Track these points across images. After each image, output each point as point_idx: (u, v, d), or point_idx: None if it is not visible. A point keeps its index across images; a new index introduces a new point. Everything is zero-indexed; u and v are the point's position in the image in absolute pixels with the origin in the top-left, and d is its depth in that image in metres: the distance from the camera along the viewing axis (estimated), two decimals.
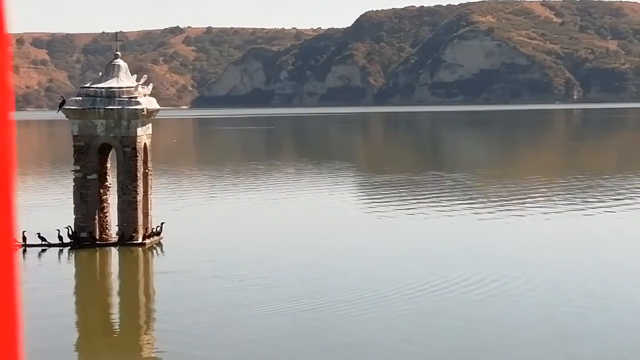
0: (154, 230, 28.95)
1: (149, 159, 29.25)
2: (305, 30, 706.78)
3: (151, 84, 29.43)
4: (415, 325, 18.13)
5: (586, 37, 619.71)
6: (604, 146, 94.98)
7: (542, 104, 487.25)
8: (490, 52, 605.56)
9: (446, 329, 17.93)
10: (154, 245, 28.29)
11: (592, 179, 48.14)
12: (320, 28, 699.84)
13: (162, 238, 28.80)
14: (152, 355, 16.77)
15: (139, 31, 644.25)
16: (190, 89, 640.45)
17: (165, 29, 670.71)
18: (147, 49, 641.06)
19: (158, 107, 29.53)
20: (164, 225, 29.00)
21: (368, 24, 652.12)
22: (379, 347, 16.78)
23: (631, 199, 38.91)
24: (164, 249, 28.04)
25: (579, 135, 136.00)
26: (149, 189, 29.12)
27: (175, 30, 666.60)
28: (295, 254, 26.98)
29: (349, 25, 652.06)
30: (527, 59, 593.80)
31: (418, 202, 38.78)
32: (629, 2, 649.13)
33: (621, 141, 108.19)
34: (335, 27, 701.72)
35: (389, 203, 39.13)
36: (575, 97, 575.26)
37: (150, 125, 29.38)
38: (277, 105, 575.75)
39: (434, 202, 39.01)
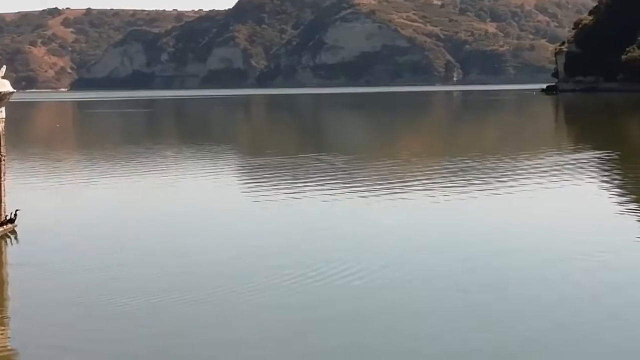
0: (8, 217, 27.03)
1: (3, 143, 27.22)
2: (187, 11, 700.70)
3: (4, 67, 27.21)
4: (289, 316, 16.74)
5: (466, 19, 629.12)
6: (484, 127, 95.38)
7: (423, 85, 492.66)
8: (372, 34, 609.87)
9: (326, 320, 16.58)
10: (7, 234, 26.29)
11: (473, 159, 47.62)
12: (201, 10, 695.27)
13: (16, 226, 26.80)
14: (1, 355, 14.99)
15: (16, 12, 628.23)
16: (69, 71, 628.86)
17: (43, 10, 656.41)
18: (25, 30, 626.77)
19: (11, 89, 27.35)
20: (18, 212, 27.04)
21: (250, 5, 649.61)
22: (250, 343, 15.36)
23: (515, 180, 38.33)
24: (18, 238, 26.05)
25: (459, 116, 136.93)
26: (1, 175, 27.14)
27: (53, 12, 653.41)
28: (169, 241, 25.35)
29: (231, 7, 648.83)
30: (408, 41, 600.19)
31: (301, 185, 37.62)
32: None
33: (501, 122, 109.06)
34: (216, 8, 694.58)
35: (271, 186, 37.86)
36: (455, 78, 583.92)
37: (3, 109, 27.28)
38: (158, 87, 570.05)
39: (317, 184, 37.86)
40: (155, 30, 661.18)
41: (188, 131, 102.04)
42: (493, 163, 46.06)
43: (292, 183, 38.67)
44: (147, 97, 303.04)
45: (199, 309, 17.59)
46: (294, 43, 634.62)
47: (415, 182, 38.07)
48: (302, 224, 28.41)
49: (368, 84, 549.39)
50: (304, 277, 20.05)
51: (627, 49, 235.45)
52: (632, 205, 30.84)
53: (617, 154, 50.49)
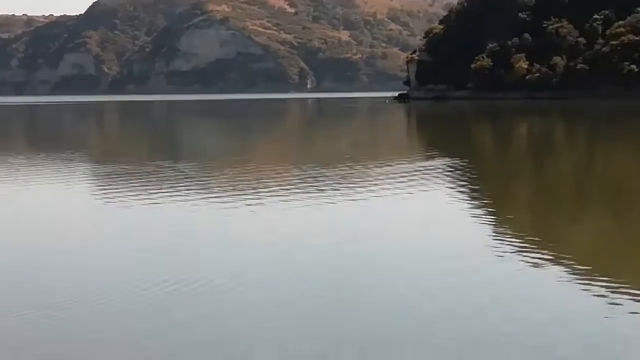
0: None
1: None
2: (37, 16, 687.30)
3: None
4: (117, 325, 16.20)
5: (319, 27, 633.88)
6: (337, 134, 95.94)
7: (277, 92, 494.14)
8: (225, 41, 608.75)
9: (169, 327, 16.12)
10: None
11: (327, 166, 47.69)
12: (52, 15, 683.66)
13: None
14: None
15: None
16: None
17: None
18: None
19: None
20: None
21: (101, 11, 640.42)
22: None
23: (367, 186, 38.40)
24: None
25: (313, 123, 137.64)
26: None
27: None
28: (15, 251, 24.41)
29: (82, 13, 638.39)
30: (262, 49, 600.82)
31: (153, 192, 36.86)
32: None
33: (354, 129, 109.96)
34: (68, 14, 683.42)
35: (123, 193, 37.02)
36: (309, 86, 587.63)
37: None
38: (8, 93, 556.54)
39: (169, 191, 37.17)
40: (5, 35, 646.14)
41: (36, 138, 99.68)
42: (346, 170, 46.17)
43: (144, 191, 37.89)
44: None
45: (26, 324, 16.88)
46: (147, 49, 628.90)
47: (271, 189, 37.78)
48: (155, 232, 27.77)
49: (222, 91, 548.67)
50: (153, 284, 19.51)
51: (476, 57, 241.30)
52: (481, 212, 31.22)
53: (466, 161, 51.29)
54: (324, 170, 45.69)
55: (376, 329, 16.24)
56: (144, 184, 41.27)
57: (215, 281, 20.15)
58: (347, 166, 48.30)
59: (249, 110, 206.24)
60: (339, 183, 40.01)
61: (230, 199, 34.88)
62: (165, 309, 17.82)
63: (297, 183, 40.15)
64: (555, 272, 20.67)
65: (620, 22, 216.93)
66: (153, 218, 31.06)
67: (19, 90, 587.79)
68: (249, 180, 42.18)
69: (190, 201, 34.39)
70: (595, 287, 18.96)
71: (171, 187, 39.37)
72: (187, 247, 24.83)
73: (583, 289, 18.94)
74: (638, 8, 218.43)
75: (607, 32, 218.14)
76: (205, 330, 16.26)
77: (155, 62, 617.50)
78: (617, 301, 17.86)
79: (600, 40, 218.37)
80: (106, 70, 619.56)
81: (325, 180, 40.92)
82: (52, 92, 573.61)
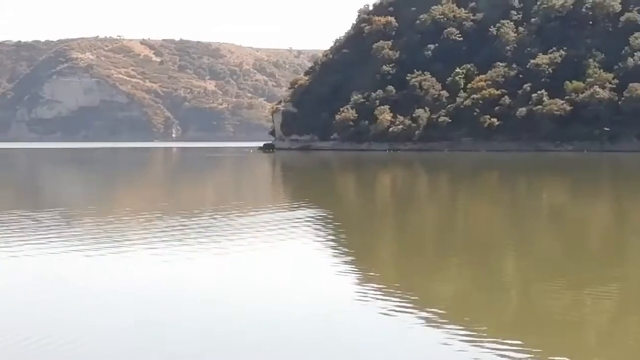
0: None
1: None
2: None
3: None
4: None
5: (185, 76, 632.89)
6: (202, 184, 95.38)
7: (142, 141, 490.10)
8: (90, 89, 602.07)
9: None
10: None
11: (191, 216, 47.30)
12: None
13: None
14: None
15: None
16: None
17: None
18: None
19: None
20: None
21: None
22: None
23: (230, 237, 38.15)
24: None
25: (177, 172, 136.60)
26: None
27: None
28: None
29: None
30: (127, 97, 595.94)
31: (17, 242, 35.86)
32: (226, 43, 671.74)
33: (218, 179, 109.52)
34: None
35: None
36: (174, 135, 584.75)
37: None
38: None
39: (27, 241, 36.17)
40: None
41: None
42: (209, 220, 45.83)
43: (2, 241, 36.85)
44: None
45: None
46: (9, 96, 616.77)
47: (131, 240, 37.18)
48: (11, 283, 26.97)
49: (86, 138, 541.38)
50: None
51: (340, 109, 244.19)
52: (344, 263, 31.32)
53: (330, 212, 51.52)
54: (186, 221, 45.27)
55: None
56: (2, 233, 40.18)
57: (63, 335, 19.66)
58: (211, 217, 47.96)
59: (113, 158, 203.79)
60: (202, 233, 39.65)
61: (88, 249, 34.20)
62: None
63: (159, 233, 39.63)
64: (415, 321, 20.80)
65: (481, 76, 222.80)
66: (9, 268, 30.19)
67: None
68: (109, 230, 41.46)
69: (50, 251, 33.58)
70: (454, 336, 19.14)
71: (29, 237, 38.40)
72: (42, 298, 24.18)
73: (442, 338, 19.08)
74: (498, 63, 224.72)
75: (469, 85, 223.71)
76: None
77: (17, 110, 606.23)
78: (474, 348, 18.05)
79: (462, 94, 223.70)
80: None
81: (187, 231, 40.50)
82: None
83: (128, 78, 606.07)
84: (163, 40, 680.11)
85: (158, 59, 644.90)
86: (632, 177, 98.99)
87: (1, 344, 18.76)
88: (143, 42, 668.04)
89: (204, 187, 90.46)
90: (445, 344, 18.65)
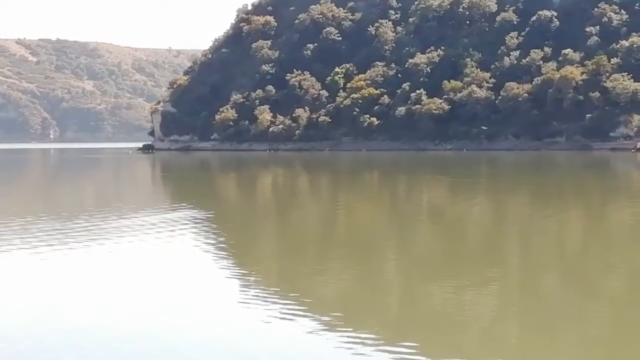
0: None
1: None
2: None
3: None
4: None
5: (62, 76, 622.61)
6: (80, 186, 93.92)
7: (19, 142, 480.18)
8: None
9: None
10: None
11: (68, 219, 46.37)
12: None
13: None
14: None
15: None
16: None
17: None
18: None
19: None
20: None
21: None
22: None
23: (109, 239, 37.53)
24: None
25: (55, 174, 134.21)
26: None
27: None
28: None
29: None
30: (3, 97, 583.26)
31: None
32: (104, 43, 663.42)
33: (97, 181, 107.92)
34: None
35: None
36: (52, 136, 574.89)
37: None
38: None
39: None
40: None
41: None
42: (87, 222, 45.01)
43: None
44: None
45: None
46: None
47: (13, 242, 36.25)
48: None
49: None
50: None
51: (220, 109, 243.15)
52: (223, 263, 31.08)
53: (211, 213, 51.21)
54: (64, 223, 44.37)
55: None
56: None
57: None
58: (90, 219, 47.12)
59: None
60: (81, 235, 38.90)
61: None
62: None
63: (37, 234, 38.76)
64: (303, 323, 20.67)
65: (361, 76, 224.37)
66: None
67: None
68: None
69: None
70: (342, 337, 19.09)
71: None
72: None
73: (325, 342, 19.00)
74: (377, 62, 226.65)
75: (348, 85, 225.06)
76: None
77: None
78: (361, 351, 18.02)
79: (342, 93, 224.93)
80: None
81: (65, 233, 39.67)
82: None
83: (4, 78, 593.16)
84: (39, 39, 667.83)
85: (34, 59, 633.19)
86: (508, 174, 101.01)
87: None
88: (19, 42, 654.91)
89: (83, 189, 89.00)
90: (330, 347, 18.56)
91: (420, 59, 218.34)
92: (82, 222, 45.23)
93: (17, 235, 39.47)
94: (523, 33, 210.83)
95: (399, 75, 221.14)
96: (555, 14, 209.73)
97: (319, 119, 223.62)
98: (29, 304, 23.69)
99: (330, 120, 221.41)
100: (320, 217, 51.88)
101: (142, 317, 21.80)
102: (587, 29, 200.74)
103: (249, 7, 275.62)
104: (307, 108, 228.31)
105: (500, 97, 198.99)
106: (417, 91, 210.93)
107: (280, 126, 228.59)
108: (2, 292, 25.46)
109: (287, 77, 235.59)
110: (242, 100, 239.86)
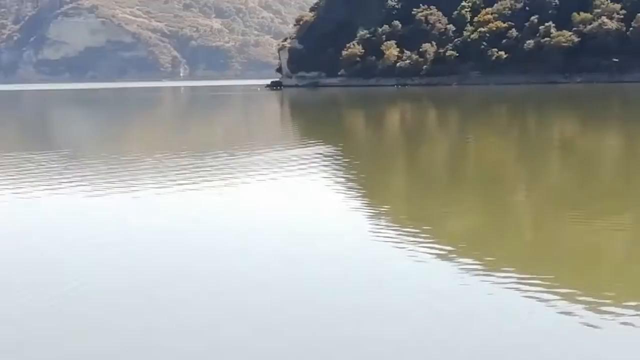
0: None
1: None
2: None
3: None
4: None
5: (191, 15, 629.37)
6: (211, 123, 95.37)
7: (150, 81, 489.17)
8: (96, 30, 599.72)
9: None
10: None
11: (202, 155, 47.28)
12: None
13: None
14: None
15: None
16: None
17: None
18: None
19: None
20: None
21: None
22: None
23: (243, 175, 38.18)
24: None
25: (186, 112, 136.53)
26: None
27: None
28: None
29: None
30: (133, 37, 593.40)
31: (30, 183, 36.00)
32: None
33: (227, 118, 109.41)
34: None
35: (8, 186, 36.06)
36: (181, 74, 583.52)
37: None
38: None
39: (48, 182, 36.38)
40: None
41: None
42: (219, 159, 45.81)
43: (27, 181, 36.94)
44: None
45: None
46: (15, 38, 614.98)
47: (143, 180, 37.20)
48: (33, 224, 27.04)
49: (94, 79, 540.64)
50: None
51: (347, 45, 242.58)
52: (354, 198, 31.30)
53: (340, 148, 51.48)
54: (195, 160, 45.25)
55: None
56: (11, 175, 40.26)
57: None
58: (220, 155, 47.93)
59: (120, 99, 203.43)
60: (212, 173, 39.63)
61: (97, 190, 34.26)
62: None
63: (166, 173, 39.66)
64: (429, 255, 20.77)
65: (488, 9, 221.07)
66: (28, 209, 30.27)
67: None
68: (117, 172, 41.45)
69: (59, 192, 33.68)
70: (468, 270, 19.14)
71: (35, 179, 38.45)
72: (50, 240, 24.27)
73: (456, 272, 19.08)
74: None
75: (475, 19, 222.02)
76: None
77: (24, 51, 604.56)
78: (490, 282, 18.06)
79: (469, 27, 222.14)
80: None
81: (197, 170, 40.48)
82: None
83: (133, 18, 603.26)
84: None
85: None
86: None
87: (13, 287, 18.85)
88: None
89: (212, 126, 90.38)
90: (460, 277, 18.64)
91: None
92: (210, 160, 46.04)
93: (148, 173, 40.44)
94: None
95: (527, 8, 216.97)
96: None
97: (446, 54, 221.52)
98: (172, 241, 24.29)
99: (457, 54, 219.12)
100: (450, 152, 51.67)
101: (274, 248, 22.21)
102: None
103: None
104: (433, 43, 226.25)
105: (631, 29, 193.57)
106: (546, 24, 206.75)
107: (407, 61, 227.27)
108: (141, 231, 26.14)
109: (413, 12, 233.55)
110: (368, 36, 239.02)
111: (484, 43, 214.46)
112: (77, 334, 15.41)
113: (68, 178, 38.28)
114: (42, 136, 79.67)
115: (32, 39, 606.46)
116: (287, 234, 24.40)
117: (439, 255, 20.77)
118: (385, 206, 29.58)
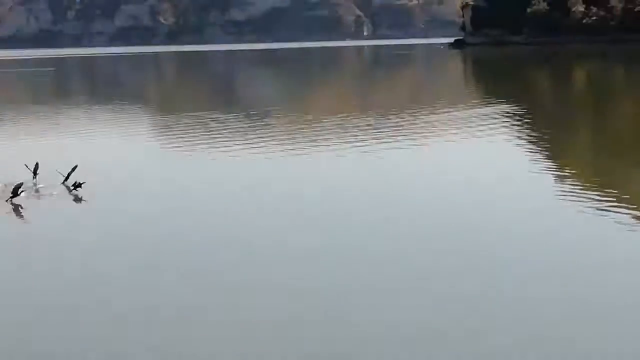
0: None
1: None
2: None
3: None
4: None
5: None
6: (394, 82, 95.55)
7: (333, 40, 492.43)
8: None
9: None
10: None
11: (385, 115, 47.61)
12: None
13: None
14: None
15: None
16: None
17: None
18: None
19: None
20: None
21: None
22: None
23: (428, 134, 38.42)
24: None
25: (369, 71, 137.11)
26: None
27: None
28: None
29: None
30: None
31: (216, 142, 37.18)
32: None
33: (410, 76, 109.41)
34: None
35: (187, 144, 37.42)
36: (365, 33, 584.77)
37: None
38: (65, 45, 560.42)
39: (231, 141, 37.46)
40: None
41: (96, 90, 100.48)
42: (400, 118, 46.06)
43: (214, 141, 38.20)
44: (53, 55, 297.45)
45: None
46: (202, 0, 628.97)
47: (331, 139, 37.85)
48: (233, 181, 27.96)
49: (278, 39, 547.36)
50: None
51: (532, 2, 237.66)
52: (543, 159, 31.00)
53: (524, 107, 50.90)
54: (378, 120, 45.59)
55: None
56: (208, 133, 41.52)
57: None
58: (402, 115, 48.13)
59: (306, 58, 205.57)
60: (394, 132, 39.92)
61: (286, 149, 35.06)
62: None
63: (351, 131, 40.19)
64: (622, 220, 20.43)
65: None
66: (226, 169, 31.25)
67: (75, 42, 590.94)
68: (301, 131, 42.18)
69: (242, 152, 34.61)
70: None
71: (218, 138, 39.56)
72: (245, 200, 25.03)
73: None
74: None
75: None
76: None
77: (211, 12, 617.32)
78: None
79: None
80: (162, 21, 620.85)
81: (380, 130, 40.84)
82: (109, 43, 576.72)
83: None
84: None
85: None
86: None
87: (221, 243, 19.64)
88: None
89: (394, 85, 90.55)
90: None
91: None
92: (393, 118, 46.33)
93: (332, 131, 41.03)
94: None
95: None
96: None
97: (635, 9, 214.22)
98: (374, 197, 24.69)
99: None
100: (636, 115, 50.36)
101: (450, 210, 22.33)
102: None
103: None
104: None
105: None
106: None
107: (594, 18, 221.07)
108: (315, 191, 26.60)
109: None
110: None
111: None
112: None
113: (250, 139, 39.15)
114: (228, 96, 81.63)
115: (219, 0, 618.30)
116: (471, 194, 24.46)
117: (634, 221, 20.40)
118: (568, 166, 29.18)
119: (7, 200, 24.32)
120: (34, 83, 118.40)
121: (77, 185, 26.21)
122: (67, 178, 27.02)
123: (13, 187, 24.79)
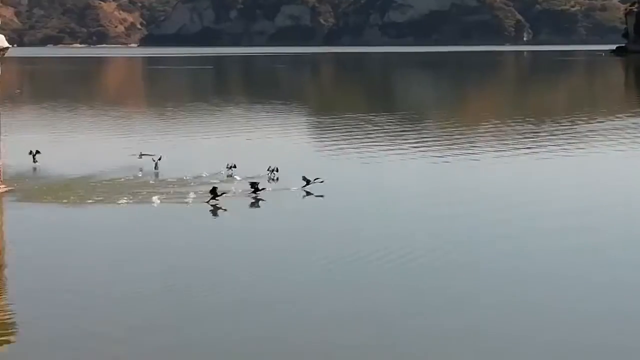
0: None
1: None
2: None
3: None
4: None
5: None
6: (553, 89, 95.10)
7: (492, 45, 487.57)
8: None
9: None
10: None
11: (544, 121, 48.14)
12: None
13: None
14: None
15: None
16: (139, 27, 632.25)
17: None
18: None
19: (7, 45, 27.07)
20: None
21: None
22: None
23: (588, 142, 38.99)
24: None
25: (528, 77, 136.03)
26: None
27: None
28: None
29: None
30: (477, 1, 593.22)
31: (372, 144, 38.42)
32: None
33: (570, 84, 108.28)
34: None
35: (343, 144, 38.70)
36: (525, 38, 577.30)
37: None
38: (226, 44, 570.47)
39: (387, 143, 38.67)
40: None
41: (254, 89, 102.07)
42: (564, 125, 46.44)
43: (368, 142, 39.44)
44: (215, 53, 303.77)
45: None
46: (362, 1, 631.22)
47: (489, 143, 38.71)
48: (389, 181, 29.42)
49: (437, 43, 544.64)
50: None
51: None
52: None
53: None
54: (534, 127, 46.07)
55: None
56: (364, 134, 42.70)
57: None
58: (559, 122, 48.39)
59: (464, 62, 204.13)
60: (549, 139, 40.40)
61: (451, 151, 36.11)
62: None
63: (504, 138, 40.83)
64: None
65: None
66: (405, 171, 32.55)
67: (236, 41, 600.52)
68: (468, 133, 43.08)
69: (415, 152, 35.79)
70: None
71: (390, 137, 40.72)
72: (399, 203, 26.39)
73: None
74: None
75: None
76: None
77: (370, 14, 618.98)
78: None
79: None
80: (322, 21, 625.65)
81: (536, 136, 41.42)
82: (268, 43, 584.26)
83: None
84: None
85: None
86: None
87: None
88: None
89: (553, 92, 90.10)
90: None
91: None
92: (548, 125, 46.71)
93: (485, 138, 41.78)
94: None
95: None
96: None
97: None
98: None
99: None
100: None
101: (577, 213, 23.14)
102: None
103: None
104: None
105: None
106: None
107: None
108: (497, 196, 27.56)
109: None
110: None
111: None
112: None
113: (405, 141, 40.14)
114: (384, 97, 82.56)
115: (378, 2, 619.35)
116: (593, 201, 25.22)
117: None
118: None
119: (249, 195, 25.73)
120: (201, 80, 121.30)
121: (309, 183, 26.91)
122: (308, 182, 27.08)
123: (250, 183, 26.22)
